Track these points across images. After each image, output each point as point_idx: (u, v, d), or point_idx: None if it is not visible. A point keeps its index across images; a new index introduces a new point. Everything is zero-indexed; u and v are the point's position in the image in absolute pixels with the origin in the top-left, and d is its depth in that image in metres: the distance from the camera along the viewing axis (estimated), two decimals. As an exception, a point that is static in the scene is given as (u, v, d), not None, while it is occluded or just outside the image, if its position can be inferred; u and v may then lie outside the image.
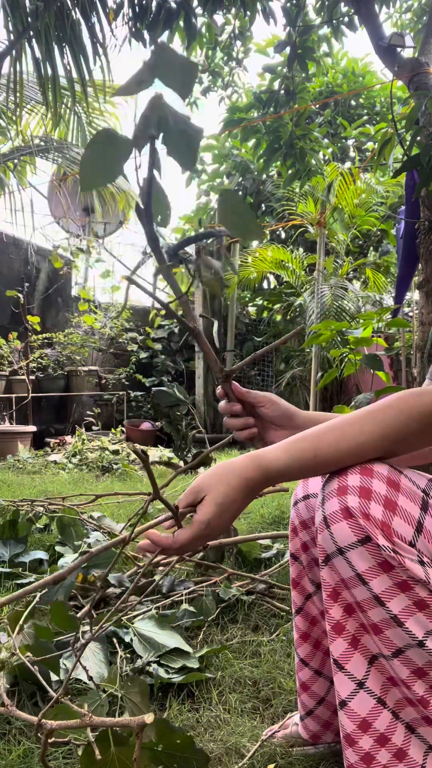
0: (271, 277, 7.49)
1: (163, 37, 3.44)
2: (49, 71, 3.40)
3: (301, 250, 6.87)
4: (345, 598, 0.75)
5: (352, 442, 0.74)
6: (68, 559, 1.72)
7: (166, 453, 4.87)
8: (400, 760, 0.72)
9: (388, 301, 5.99)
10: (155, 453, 4.85)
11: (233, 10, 3.96)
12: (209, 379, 6.36)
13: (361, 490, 0.71)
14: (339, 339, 4.21)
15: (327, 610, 0.77)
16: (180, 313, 0.78)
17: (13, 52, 3.38)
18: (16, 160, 5.04)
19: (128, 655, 1.31)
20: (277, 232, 7.85)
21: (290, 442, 0.77)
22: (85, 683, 1.19)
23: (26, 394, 5.56)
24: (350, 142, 8.23)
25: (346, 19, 3.81)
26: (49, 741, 0.77)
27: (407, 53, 3.03)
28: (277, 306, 7.04)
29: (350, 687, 0.74)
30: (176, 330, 7.25)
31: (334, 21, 3.84)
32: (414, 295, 4.40)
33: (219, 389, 0.94)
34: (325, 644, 1.00)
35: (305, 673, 1.03)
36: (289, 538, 1.04)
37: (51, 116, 4.10)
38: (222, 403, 0.95)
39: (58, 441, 5.23)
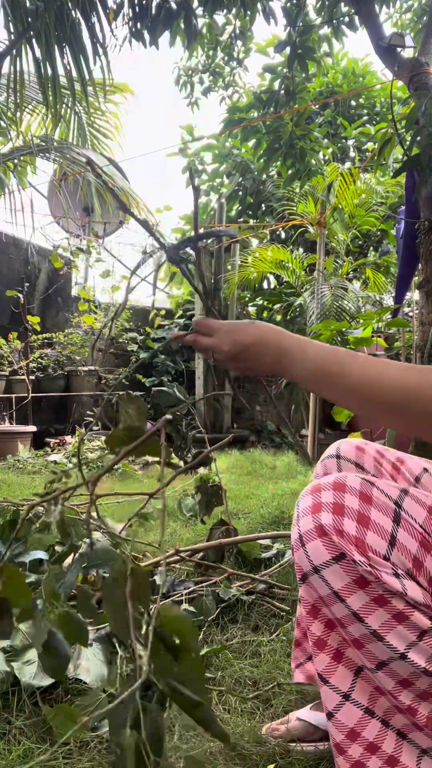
0: (271, 277, 7.48)
1: (164, 37, 3.44)
2: (49, 71, 3.40)
3: (301, 250, 6.86)
4: (325, 614, 0.76)
5: (375, 373, 0.72)
6: (68, 559, 1.71)
7: (166, 453, 4.86)
8: (393, 766, 0.73)
9: (388, 301, 5.98)
10: (155, 453, 4.84)
11: (233, 10, 3.96)
12: (209, 379, 6.35)
13: (334, 506, 0.71)
14: (339, 339, 4.21)
15: (308, 627, 0.78)
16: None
17: (13, 52, 3.38)
18: (16, 160, 5.02)
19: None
20: (277, 232, 7.85)
21: (324, 345, 0.77)
22: (85, 684, 1.19)
23: (26, 394, 5.56)
24: (350, 142, 8.23)
25: (347, 19, 3.80)
26: (49, 741, 0.76)
27: (407, 53, 3.03)
28: (277, 306, 7.03)
29: (336, 699, 0.75)
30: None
31: (335, 21, 3.83)
32: (414, 295, 4.39)
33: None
34: None
35: None
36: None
37: (51, 116, 4.10)
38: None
39: (58, 441, 5.23)
